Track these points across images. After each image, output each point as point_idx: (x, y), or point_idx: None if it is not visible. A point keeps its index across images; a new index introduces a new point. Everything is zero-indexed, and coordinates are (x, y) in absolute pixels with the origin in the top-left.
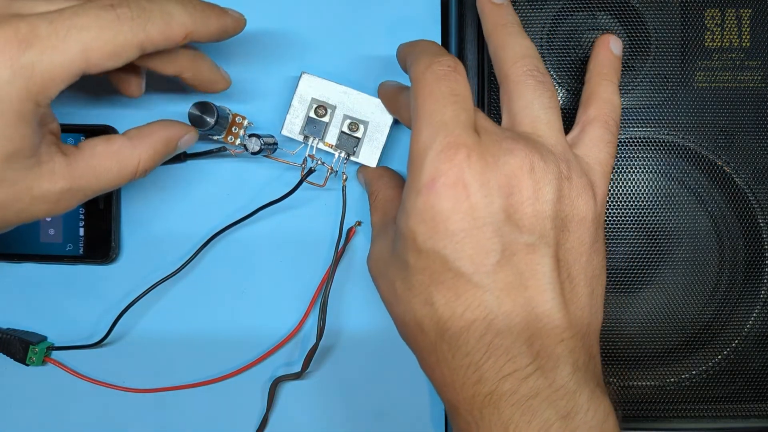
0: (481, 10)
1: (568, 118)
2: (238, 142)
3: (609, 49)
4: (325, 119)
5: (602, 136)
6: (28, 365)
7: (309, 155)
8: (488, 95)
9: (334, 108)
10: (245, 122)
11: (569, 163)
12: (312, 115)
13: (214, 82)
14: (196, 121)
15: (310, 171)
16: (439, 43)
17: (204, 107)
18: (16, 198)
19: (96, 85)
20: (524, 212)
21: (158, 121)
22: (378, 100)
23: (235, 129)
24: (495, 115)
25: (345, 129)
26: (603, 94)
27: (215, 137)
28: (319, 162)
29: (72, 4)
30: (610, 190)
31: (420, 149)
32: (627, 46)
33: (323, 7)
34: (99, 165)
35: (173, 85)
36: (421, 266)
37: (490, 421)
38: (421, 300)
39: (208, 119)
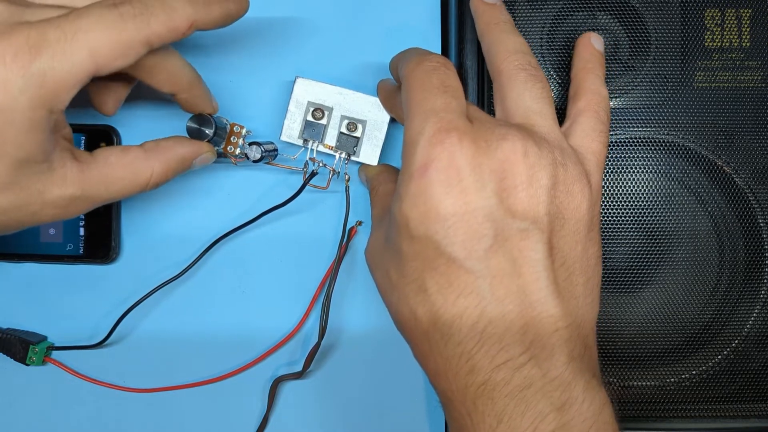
0: (474, 9)
1: (563, 116)
2: (238, 151)
3: (591, 45)
4: (323, 121)
5: (594, 126)
6: (28, 365)
7: (310, 158)
8: (487, 97)
9: (330, 110)
10: (243, 131)
11: (564, 150)
12: (309, 118)
13: (203, 106)
14: (194, 134)
15: (312, 174)
16: (439, 44)
17: (201, 120)
18: (27, 202)
19: None
20: (517, 197)
21: (176, 137)
22: (374, 98)
23: (234, 138)
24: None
25: (343, 129)
26: (590, 86)
27: (215, 149)
28: (321, 164)
29: (77, 7)
30: (611, 191)
31: (412, 136)
32: (627, 46)
33: (321, 8)
34: (111, 174)
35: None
36: (414, 252)
37: (483, 412)
38: (414, 287)
39: (206, 131)
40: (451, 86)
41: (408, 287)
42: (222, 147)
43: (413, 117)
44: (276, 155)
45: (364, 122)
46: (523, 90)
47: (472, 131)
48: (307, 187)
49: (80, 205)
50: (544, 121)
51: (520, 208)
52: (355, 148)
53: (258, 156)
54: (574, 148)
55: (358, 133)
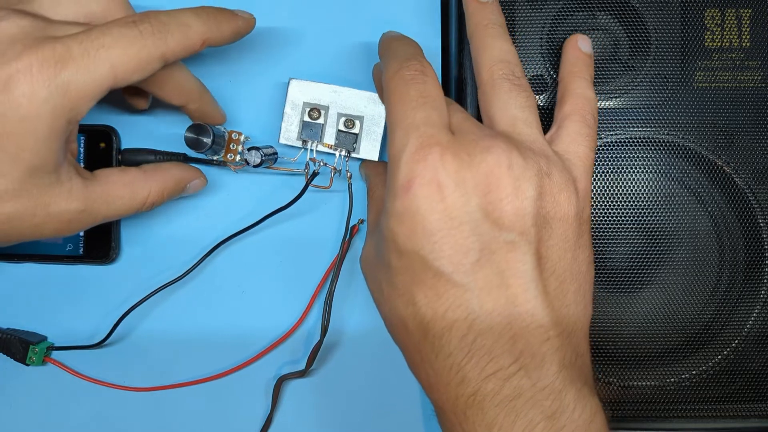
0: (465, 8)
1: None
2: (238, 158)
3: (577, 48)
4: (320, 121)
5: (579, 130)
6: (28, 365)
7: (310, 159)
8: None
9: (327, 108)
10: (242, 137)
11: (549, 159)
12: (306, 119)
13: (213, 116)
14: (192, 144)
15: (314, 174)
16: (439, 44)
17: (199, 129)
18: (33, 212)
19: None
20: (503, 210)
21: (173, 162)
22: (368, 93)
23: (234, 146)
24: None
25: (341, 127)
26: (576, 89)
27: (215, 158)
28: (322, 164)
29: (99, 24)
30: (611, 191)
31: (395, 152)
32: (627, 46)
33: (319, 6)
34: (112, 192)
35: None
36: (403, 267)
37: (474, 422)
38: (404, 300)
39: (204, 140)
40: (431, 96)
41: (398, 300)
42: (222, 155)
43: (394, 133)
44: (276, 159)
45: (361, 118)
46: (508, 98)
47: (454, 145)
48: (309, 187)
49: (82, 221)
50: (528, 129)
51: (506, 221)
52: (354, 145)
53: (258, 160)
54: (560, 154)
55: (356, 130)
